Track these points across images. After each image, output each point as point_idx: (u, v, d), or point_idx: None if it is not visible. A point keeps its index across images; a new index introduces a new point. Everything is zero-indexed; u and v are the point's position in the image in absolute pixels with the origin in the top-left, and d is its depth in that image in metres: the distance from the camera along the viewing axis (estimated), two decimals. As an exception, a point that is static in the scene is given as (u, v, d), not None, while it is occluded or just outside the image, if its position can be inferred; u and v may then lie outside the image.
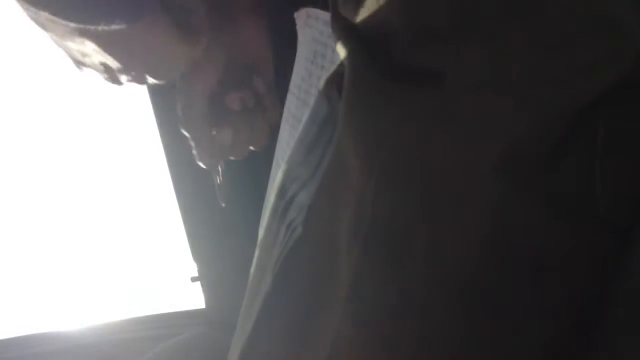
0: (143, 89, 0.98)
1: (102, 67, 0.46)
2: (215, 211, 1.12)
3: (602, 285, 0.30)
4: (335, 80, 0.39)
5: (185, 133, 0.44)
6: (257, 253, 0.44)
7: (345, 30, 0.38)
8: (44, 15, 0.41)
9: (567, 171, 0.30)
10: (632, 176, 0.29)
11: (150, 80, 0.46)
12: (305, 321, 0.37)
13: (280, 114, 0.48)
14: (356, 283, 0.34)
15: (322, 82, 0.40)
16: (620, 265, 0.30)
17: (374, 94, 0.34)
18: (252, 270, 0.44)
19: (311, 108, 0.41)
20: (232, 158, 0.47)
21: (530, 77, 0.30)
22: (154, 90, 0.99)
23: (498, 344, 0.31)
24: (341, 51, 0.38)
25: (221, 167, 1.10)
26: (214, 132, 0.44)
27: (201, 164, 0.47)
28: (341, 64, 0.38)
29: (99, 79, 0.47)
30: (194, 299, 1.22)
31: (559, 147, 0.30)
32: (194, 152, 0.47)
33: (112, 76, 0.47)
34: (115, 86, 0.48)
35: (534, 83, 0.30)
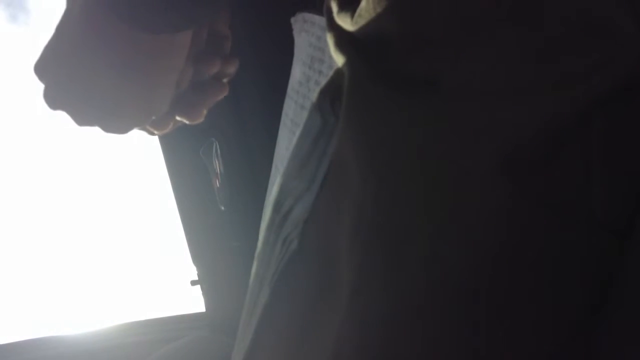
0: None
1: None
2: (215, 215, 1.13)
3: (603, 285, 0.30)
4: (329, 91, 0.39)
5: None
6: (255, 264, 0.44)
7: (341, 38, 0.38)
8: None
9: (566, 173, 0.30)
10: (629, 179, 0.30)
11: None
12: (305, 330, 0.37)
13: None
14: (358, 286, 0.34)
15: (315, 95, 0.40)
16: (619, 266, 0.30)
17: (373, 99, 0.35)
18: (250, 281, 0.44)
19: (304, 121, 0.41)
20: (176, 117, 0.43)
21: (528, 81, 0.30)
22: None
23: (499, 344, 0.31)
24: (338, 59, 0.38)
25: (220, 171, 1.11)
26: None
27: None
28: (335, 73, 0.39)
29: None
30: (194, 302, 1.23)
31: (557, 150, 0.30)
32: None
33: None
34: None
35: (532, 87, 0.30)
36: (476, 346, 0.31)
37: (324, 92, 0.39)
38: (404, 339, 0.32)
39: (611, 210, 0.30)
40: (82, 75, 0.37)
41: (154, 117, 0.42)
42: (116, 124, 0.41)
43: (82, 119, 0.40)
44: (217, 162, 1.09)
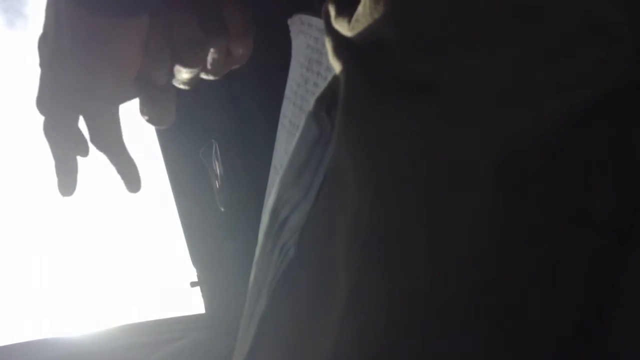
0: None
1: None
2: (215, 216, 1.13)
3: (603, 286, 0.30)
4: (325, 99, 0.39)
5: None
6: (253, 271, 0.44)
7: (339, 43, 0.38)
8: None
9: (565, 174, 0.30)
10: (629, 179, 0.30)
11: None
12: (302, 337, 0.38)
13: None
14: (356, 290, 0.34)
15: (311, 103, 0.40)
16: (620, 266, 0.30)
17: (371, 104, 0.34)
18: (249, 287, 0.44)
19: (301, 129, 0.41)
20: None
21: (529, 84, 0.30)
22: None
23: (500, 345, 0.31)
24: (336, 65, 0.38)
25: (219, 172, 1.11)
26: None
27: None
28: (333, 80, 0.39)
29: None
30: (193, 304, 1.23)
31: (557, 151, 0.30)
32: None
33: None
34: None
35: (532, 89, 0.30)
36: (477, 347, 0.31)
37: (320, 100, 0.39)
38: (404, 341, 0.32)
39: (612, 210, 0.30)
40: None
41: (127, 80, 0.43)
42: (101, 92, 0.42)
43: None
44: (216, 163, 1.09)
